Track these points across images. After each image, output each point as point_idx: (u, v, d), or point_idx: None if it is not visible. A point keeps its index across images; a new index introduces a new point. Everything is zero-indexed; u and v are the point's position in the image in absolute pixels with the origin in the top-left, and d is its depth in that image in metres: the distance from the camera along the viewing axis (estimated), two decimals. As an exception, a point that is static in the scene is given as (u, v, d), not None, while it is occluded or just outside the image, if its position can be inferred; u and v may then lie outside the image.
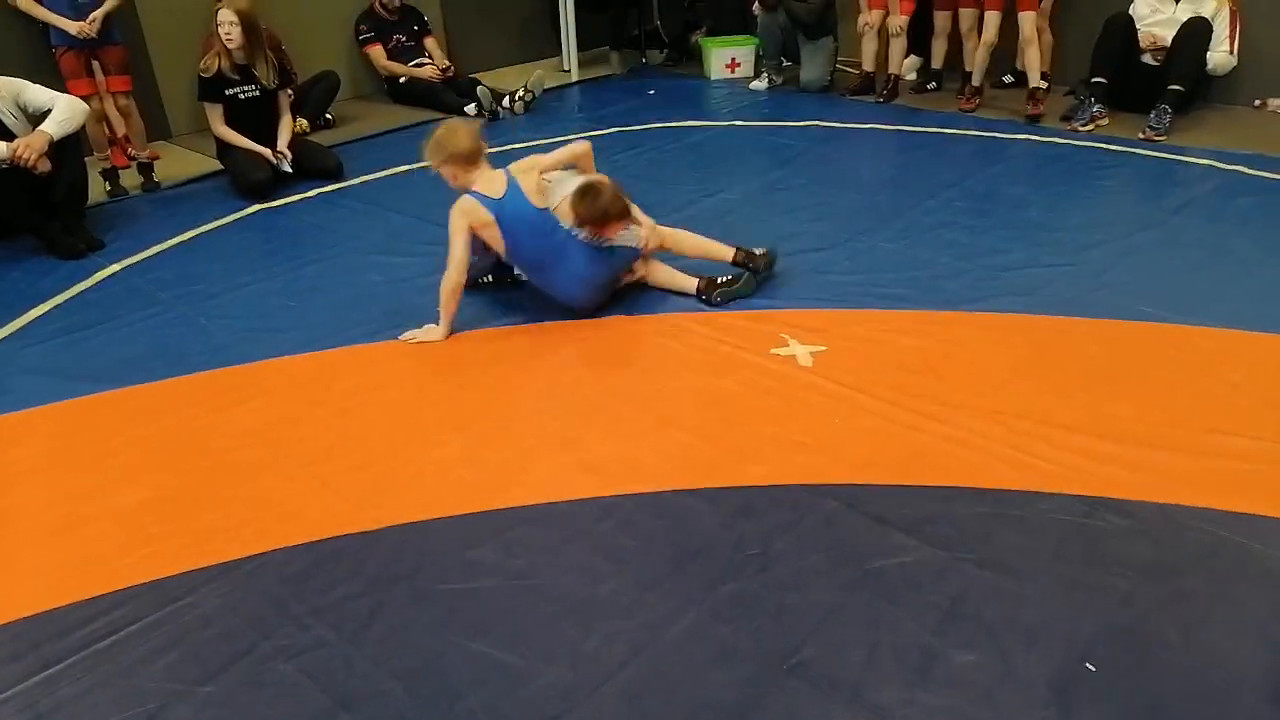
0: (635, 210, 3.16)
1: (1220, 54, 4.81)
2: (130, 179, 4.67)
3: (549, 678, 1.79)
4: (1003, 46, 5.20)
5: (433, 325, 3.04)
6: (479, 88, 5.67)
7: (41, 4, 4.48)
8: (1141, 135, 4.68)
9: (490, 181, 3.10)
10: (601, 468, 2.39)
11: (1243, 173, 4.24)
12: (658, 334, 3.04)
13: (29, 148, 3.67)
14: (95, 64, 4.64)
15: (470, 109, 5.62)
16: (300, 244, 4.00)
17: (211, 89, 4.46)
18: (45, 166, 3.75)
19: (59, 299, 3.52)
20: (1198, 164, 4.37)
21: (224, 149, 4.59)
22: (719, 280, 3.21)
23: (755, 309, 3.18)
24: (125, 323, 3.31)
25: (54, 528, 2.25)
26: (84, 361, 3.06)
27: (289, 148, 4.60)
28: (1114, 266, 3.38)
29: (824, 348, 2.89)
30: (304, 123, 5.13)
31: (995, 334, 2.96)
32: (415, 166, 4.77)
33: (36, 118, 3.80)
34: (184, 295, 3.50)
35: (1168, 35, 4.78)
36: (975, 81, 5.30)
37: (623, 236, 3.09)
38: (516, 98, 5.76)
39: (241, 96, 4.50)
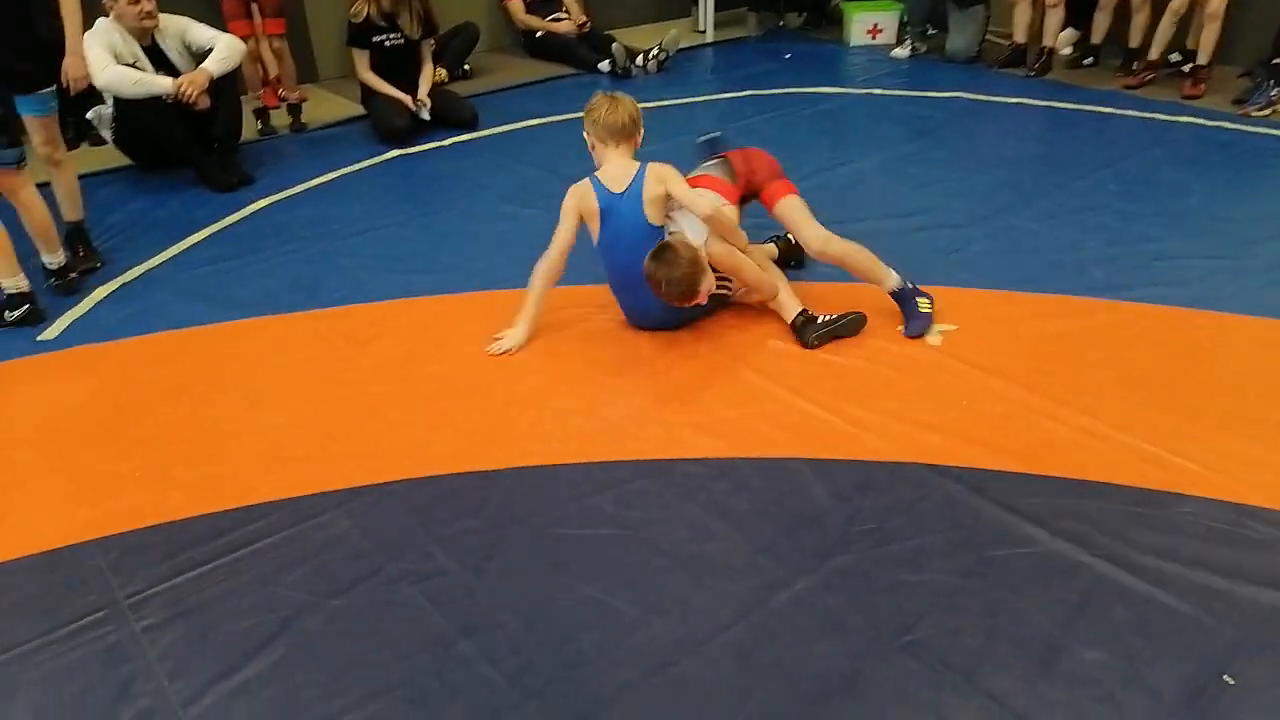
0: (737, 262, 2.77)
1: None
2: (280, 119, 4.88)
3: (659, 628, 1.81)
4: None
5: (510, 330, 2.79)
6: (614, 45, 5.67)
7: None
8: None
9: (619, 170, 2.77)
10: (718, 430, 2.39)
11: None
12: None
13: (192, 84, 3.88)
14: (254, 6, 4.84)
15: (604, 66, 5.63)
16: (434, 190, 4.10)
17: (359, 35, 4.61)
18: (205, 103, 3.96)
19: (212, 229, 3.72)
20: (1386, 158, 4.01)
21: (367, 94, 4.74)
22: (819, 319, 2.75)
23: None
24: (269, 256, 3.48)
25: (201, 442, 2.40)
26: (231, 289, 3.24)
27: (428, 96, 4.71)
28: (1281, 263, 3.14)
29: (955, 327, 2.79)
30: (443, 72, 5.23)
31: (1143, 325, 2.80)
32: (547, 120, 4.84)
33: (199, 55, 4.00)
34: (324, 233, 3.65)
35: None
36: (1153, 55, 4.95)
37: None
38: (650, 56, 5.73)
39: (387, 44, 4.63)
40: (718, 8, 6.47)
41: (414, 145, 4.56)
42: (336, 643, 1.78)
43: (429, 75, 4.80)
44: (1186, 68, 4.89)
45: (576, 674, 1.71)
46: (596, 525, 2.08)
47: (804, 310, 2.77)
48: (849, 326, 2.76)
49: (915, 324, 2.76)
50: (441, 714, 1.64)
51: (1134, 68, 5.09)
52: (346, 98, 5.18)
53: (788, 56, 6.02)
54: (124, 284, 3.29)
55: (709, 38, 6.44)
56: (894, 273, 2.81)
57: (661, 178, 2.73)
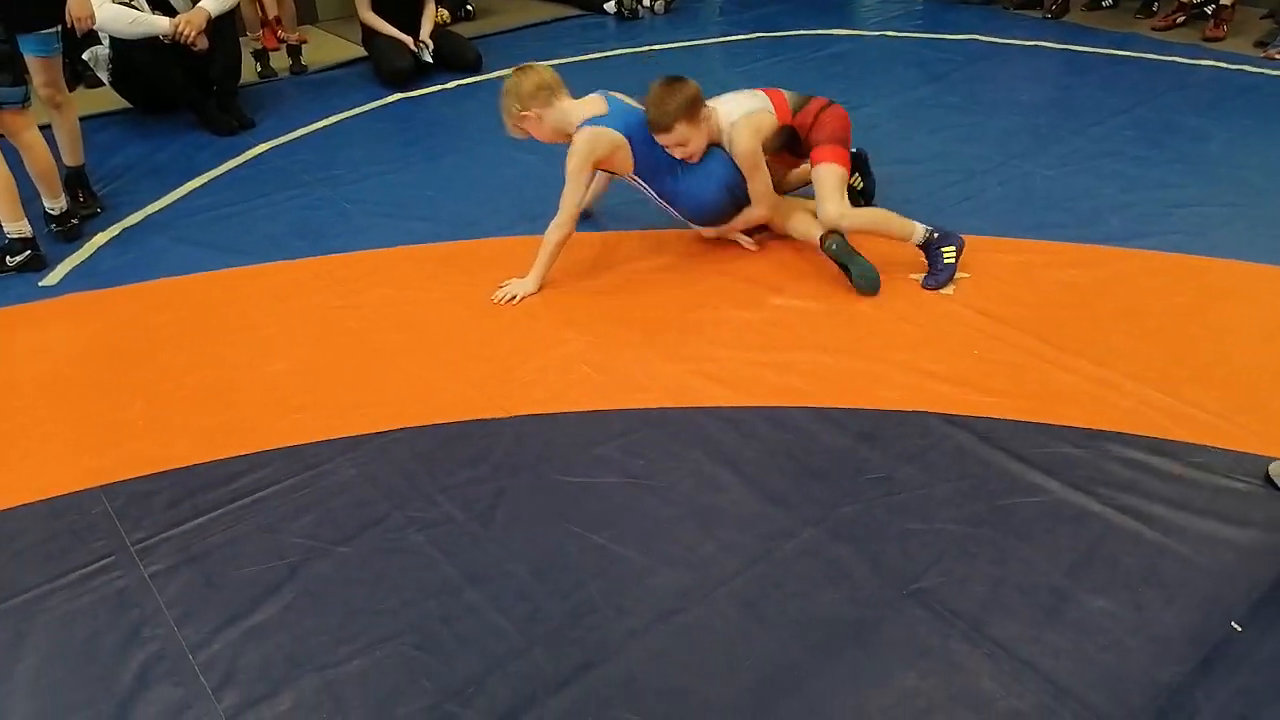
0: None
1: None
2: (279, 61, 4.78)
3: (666, 576, 1.81)
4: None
5: (519, 279, 2.75)
6: (620, -15, 5.53)
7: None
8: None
9: (589, 105, 2.76)
10: (726, 379, 2.37)
11: None
12: (790, 249, 2.95)
13: (189, 24, 3.79)
14: (251, -56, 4.72)
15: (610, 7, 5.50)
16: (437, 135, 4.03)
17: (360, -26, 4.49)
18: (203, 44, 3.87)
19: (212, 174, 3.66)
20: None
21: (369, 36, 4.63)
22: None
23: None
24: (271, 201, 3.43)
25: (204, 389, 2.39)
26: (233, 236, 3.20)
27: (430, 38, 4.61)
28: (1302, 211, 3.08)
29: (967, 275, 2.75)
30: (445, 13, 5.12)
31: (1159, 274, 2.76)
32: (552, 63, 4.68)
33: (196, -6, 3.91)
34: (326, 179, 3.59)
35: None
36: None
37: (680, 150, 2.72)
38: (658, -3, 5.59)
39: (388, -17, 4.52)
40: (727, -53, 6.29)
41: (416, 88, 4.48)
42: (344, 589, 1.78)
43: (431, 16, 4.69)
44: (1209, 9, 4.76)
45: (584, 621, 1.71)
46: (603, 474, 2.07)
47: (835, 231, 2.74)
48: (859, 266, 2.69)
49: (936, 277, 2.71)
50: (449, 660, 1.64)
51: (1154, 9, 4.96)
52: (347, 39, 5.08)
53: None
54: (124, 230, 3.25)
55: (717, -22, 6.28)
56: (918, 225, 2.74)
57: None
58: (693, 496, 2.01)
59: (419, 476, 2.06)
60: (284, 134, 4.01)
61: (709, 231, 2.96)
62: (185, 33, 3.78)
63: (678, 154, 2.74)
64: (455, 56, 4.66)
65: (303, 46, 4.83)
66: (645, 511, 1.97)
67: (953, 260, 2.72)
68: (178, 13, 3.85)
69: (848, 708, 1.56)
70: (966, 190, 3.30)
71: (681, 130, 2.66)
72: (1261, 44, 4.51)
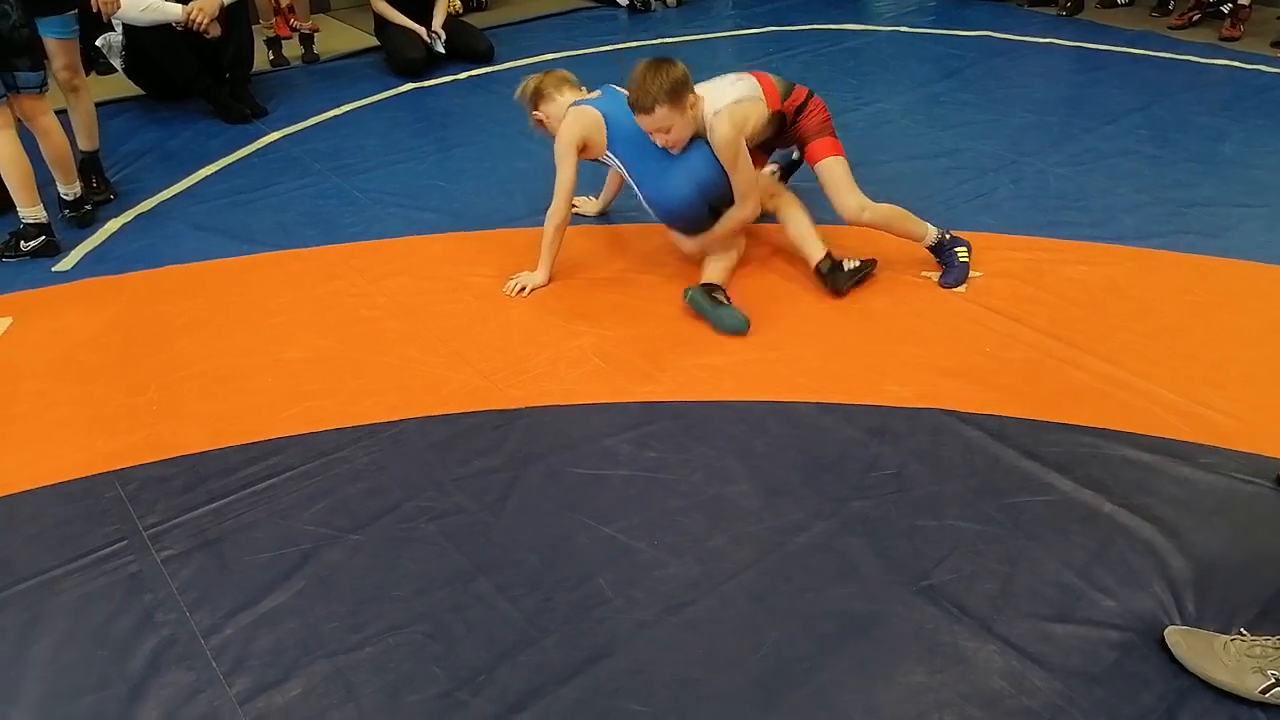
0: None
1: None
2: (292, 49, 4.79)
3: (676, 568, 1.82)
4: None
5: (529, 272, 2.75)
6: (633, -23, 5.52)
7: None
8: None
9: (587, 95, 2.80)
10: (737, 373, 2.37)
11: None
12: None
13: (202, 11, 3.79)
14: (265, -68, 4.73)
15: (623, 0, 5.48)
16: (449, 126, 4.04)
17: (373, -37, 4.49)
18: (216, 31, 3.88)
19: (225, 161, 3.67)
20: None
21: (381, 25, 4.63)
22: (846, 265, 2.66)
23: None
24: (283, 189, 3.43)
25: (218, 376, 2.40)
26: (245, 223, 3.21)
27: (443, 28, 4.61)
28: (1317, 213, 3.06)
29: (979, 273, 2.74)
30: (457, 3, 5.12)
31: (1171, 274, 2.75)
32: (564, 54, 4.73)
33: (210, -19, 3.91)
34: (338, 168, 3.60)
35: None
36: None
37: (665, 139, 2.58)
38: (670, -11, 5.58)
39: (401, -27, 4.52)
40: (740, -60, 6.27)
41: (428, 79, 4.48)
42: (356, 577, 1.79)
43: (443, 6, 4.69)
44: (1225, 8, 4.73)
45: (594, 612, 1.72)
46: (614, 466, 2.07)
47: (829, 254, 2.67)
48: (868, 269, 2.71)
49: (953, 274, 2.70)
50: (460, 648, 1.65)
51: (1169, 7, 4.93)
52: (359, 29, 5.07)
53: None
54: (138, 216, 3.27)
55: (730, -29, 6.26)
56: (930, 226, 2.73)
57: None
58: (703, 489, 2.01)
59: (431, 466, 2.07)
60: (296, 122, 4.02)
61: (687, 244, 2.74)
62: (198, 20, 3.79)
63: (659, 140, 2.56)
64: (467, 47, 4.66)
65: (315, 35, 4.83)
66: (656, 503, 1.97)
67: (967, 259, 2.71)
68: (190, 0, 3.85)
69: (856, 702, 1.57)
70: (979, 187, 3.29)
71: (663, 114, 2.47)
72: (1278, 44, 4.49)
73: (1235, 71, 4.29)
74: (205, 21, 3.81)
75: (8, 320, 2.64)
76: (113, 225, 3.18)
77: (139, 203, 3.35)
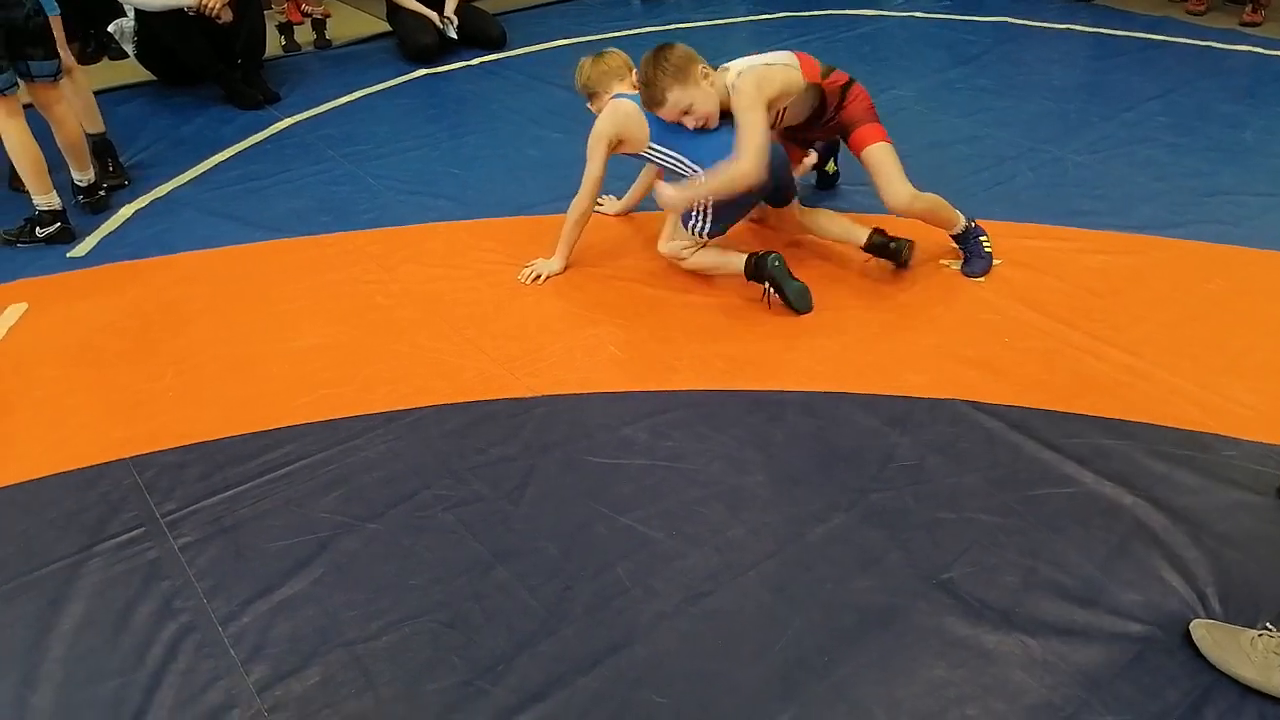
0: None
1: None
2: (304, 35, 4.77)
3: (694, 558, 1.81)
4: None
5: (545, 259, 2.74)
6: (646, -38, 5.47)
7: None
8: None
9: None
10: (755, 361, 2.35)
11: None
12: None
13: (215, -4, 3.77)
14: (276, -84, 4.70)
15: (635, -16, 5.44)
16: (462, 112, 4.02)
17: (385, -53, 4.46)
18: (228, 16, 3.86)
19: (238, 147, 3.66)
20: None
21: (393, 11, 4.61)
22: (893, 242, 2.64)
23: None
24: (296, 176, 3.42)
25: (233, 362, 2.39)
26: (259, 209, 3.20)
27: (455, 13, 4.58)
28: (1339, 202, 3.03)
29: (998, 261, 2.72)
30: (469, -12, 5.08)
31: (1191, 263, 2.72)
32: (577, 40, 4.70)
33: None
34: (350, 154, 3.58)
35: None
36: None
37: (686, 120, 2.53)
38: (683, -25, 5.53)
39: (413, -43, 4.49)
40: (754, -76, 6.21)
41: (441, 64, 4.46)
42: (374, 565, 1.79)
43: (456, -9, 4.66)
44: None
45: (613, 603, 1.71)
46: (632, 455, 2.06)
47: (876, 229, 2.64)
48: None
49: (978, 264, 2.67)
50: (478, 637, 1.65)
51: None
52: (371, 14, 5.05)
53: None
54: (152, 202, 3.26)
55: (744, -44, 6.20)
56: (961, 215, 2.70)
57: None
58: (721, 479, 2.00)
59: (448, 454, 2.06)
60: (308, 109, 4.00)
61: (668, 194, 2.50)
62: (210, 5, 3.77)
63: (689, 124, 2.51)
64: (480, 33, 4.63)
65: (327, 21, 4.81)
66: (674, 493, 1.96)
67: (990, 249, 2.68)
68: (203, -16, 3.83)
69: (877, 695, 1.56)
70: (997, 175, 3.26)
71: (676, 96, 2.44)
72: (1300, 30, 4.42)
73: (1256, 58, 4.24)
74: (217, 6, 3.79)
75: (23, 306, 2.64)
76: (126, 211, 3.18)
77: (152, 189, 3.34)
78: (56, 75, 2.90)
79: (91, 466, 2.03)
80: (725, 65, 2.56)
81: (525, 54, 4.60)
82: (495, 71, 4.41)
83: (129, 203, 3.23)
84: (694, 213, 2.54)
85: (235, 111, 3.97)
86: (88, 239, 3.00)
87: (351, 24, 5.01)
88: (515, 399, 2.23)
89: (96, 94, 3.39)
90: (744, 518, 1.90)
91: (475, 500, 1.94)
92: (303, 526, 1.88)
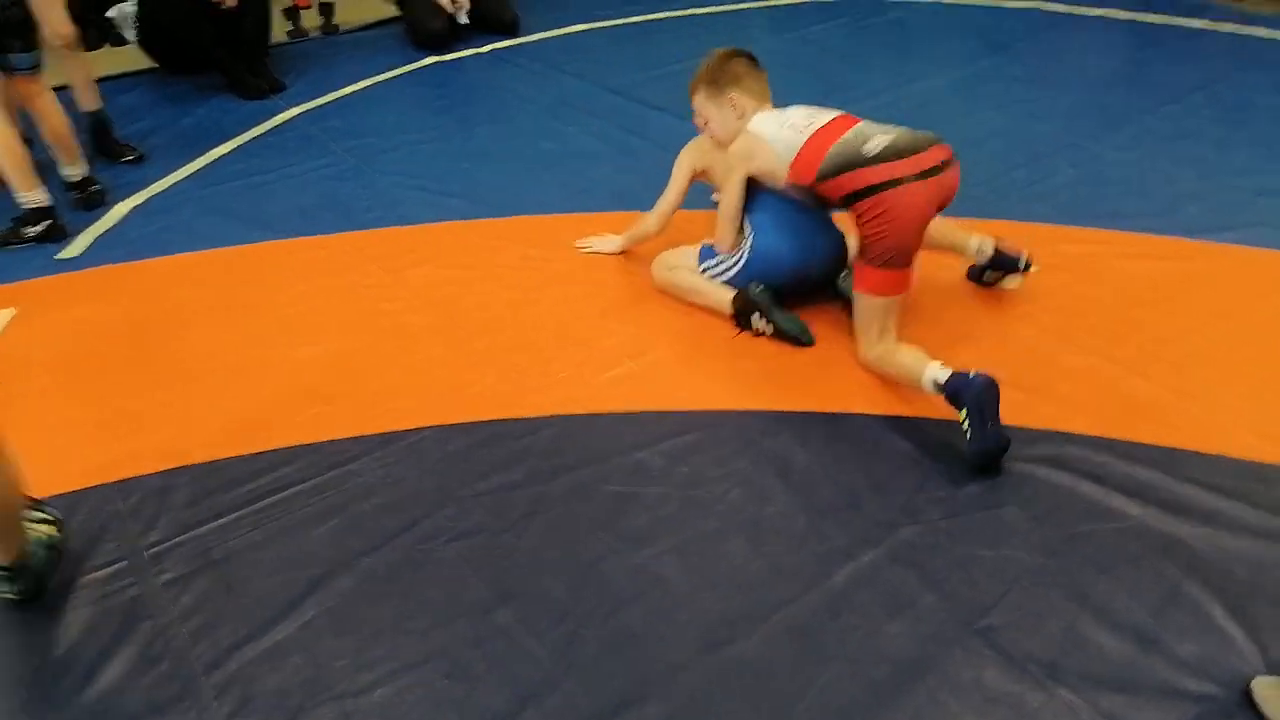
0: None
1: None
2: (310, 19, 4.64)
3: (711, 601, 1.68)
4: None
5: (612, 235, 2.68)
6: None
7: None
8: None
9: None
10: (778, 378, 2.22)
11: None
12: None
13: (218, -19, 3.64)
14: (282, -103, 4.55)
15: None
16: (473, 103, 3.88)
17: (394, -70, 4.31)
18: (232, 1, 3.72)
19: (240, 140, 3.54)
20: None
21: (403, -5, 4.46)
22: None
23: (956, 215, 2.83)
24: (300, 171, 3.30)
25: (228, 375, 2.28)
26: (260, 207, 3.08)
27: (466, -2, 4.43)
28: (1399, 203, 2.85)
29: (1035, 268, 2.56)
30: (482, -28, 4.92)
31: (1243, 271, 2.55)
32: (592, 26, 4.55)
33: (225, -49, 3.75)
34: (356, 148, 3.45)
35: None
36: None
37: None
38: (703, -43, 5.34)
39: (423, -60, 4.33)
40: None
41: (451, 52, 4.31)
42: (368, 606, 1.67)
43: (467, -26, 4.51)
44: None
45: (623, 651, 1.59)
46: (645, 483, 1.93)
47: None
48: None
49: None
50: (479, 689, 1.53)
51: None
52: (378, -2, 4.90)
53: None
54: (150, 198, 3.15)
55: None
56: (926, 372, 2.04)
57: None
58: (741, 509, 1.87)
59: (450, 480, 1.94)
60: (314, 98, 3.88)
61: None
62: (214, -11, 3.64)
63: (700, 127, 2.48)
64: (492, 17, 4.48)
65: (334, 4, 4.66)
66: (690, 526, 1.84)
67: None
68: (205, -30, 3.70)
69: (911, 760, 1.43)
70: (1033, 173, 3.10)
71: (699, 101, 2.41)
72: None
73: (1303, 47, 4.03)
74: (220, -9, 3.66)
75: (10, 312, 2.53)
76: (122, 208, 3.06)
77: (152, 183, 3.23)
78: (36, 68, 2.78)
79: (72, 492, 1.92)
80: (767, 112, 2.34)
81: (540, 40, 4.45)
82: (508, 59, 4.26)
83: (124, 199, 3.11)
84: (722, 259, 2.42)
85: (238, 101, 3.85)
86: (80, 238, 2.89)
87: (359, 8, 4.86)
88: (522, 419, 2.10)
89: (96, 82, 3.28)
90: (766, 554, 1.77)
91: (478, 532, 1.82)
92: (295, 561, 1.76)
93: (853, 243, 2.29)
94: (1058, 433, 2.03)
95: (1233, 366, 2.19)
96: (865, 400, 2.14)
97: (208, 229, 2.94)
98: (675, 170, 2.54)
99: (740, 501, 1.89)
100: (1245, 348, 2.26)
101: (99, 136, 3.23)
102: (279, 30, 4.39)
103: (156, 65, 4.11)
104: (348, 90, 3.94)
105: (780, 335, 2.33)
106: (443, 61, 4.24)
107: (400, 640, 1.61)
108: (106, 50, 4.20)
